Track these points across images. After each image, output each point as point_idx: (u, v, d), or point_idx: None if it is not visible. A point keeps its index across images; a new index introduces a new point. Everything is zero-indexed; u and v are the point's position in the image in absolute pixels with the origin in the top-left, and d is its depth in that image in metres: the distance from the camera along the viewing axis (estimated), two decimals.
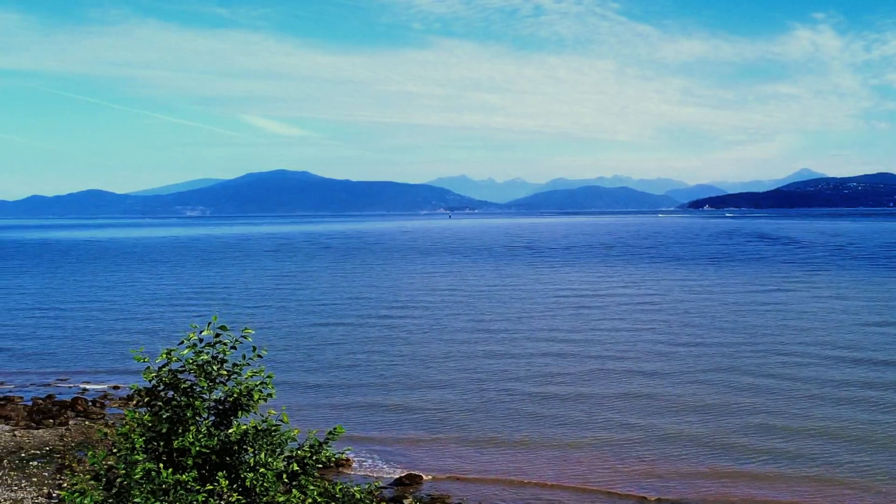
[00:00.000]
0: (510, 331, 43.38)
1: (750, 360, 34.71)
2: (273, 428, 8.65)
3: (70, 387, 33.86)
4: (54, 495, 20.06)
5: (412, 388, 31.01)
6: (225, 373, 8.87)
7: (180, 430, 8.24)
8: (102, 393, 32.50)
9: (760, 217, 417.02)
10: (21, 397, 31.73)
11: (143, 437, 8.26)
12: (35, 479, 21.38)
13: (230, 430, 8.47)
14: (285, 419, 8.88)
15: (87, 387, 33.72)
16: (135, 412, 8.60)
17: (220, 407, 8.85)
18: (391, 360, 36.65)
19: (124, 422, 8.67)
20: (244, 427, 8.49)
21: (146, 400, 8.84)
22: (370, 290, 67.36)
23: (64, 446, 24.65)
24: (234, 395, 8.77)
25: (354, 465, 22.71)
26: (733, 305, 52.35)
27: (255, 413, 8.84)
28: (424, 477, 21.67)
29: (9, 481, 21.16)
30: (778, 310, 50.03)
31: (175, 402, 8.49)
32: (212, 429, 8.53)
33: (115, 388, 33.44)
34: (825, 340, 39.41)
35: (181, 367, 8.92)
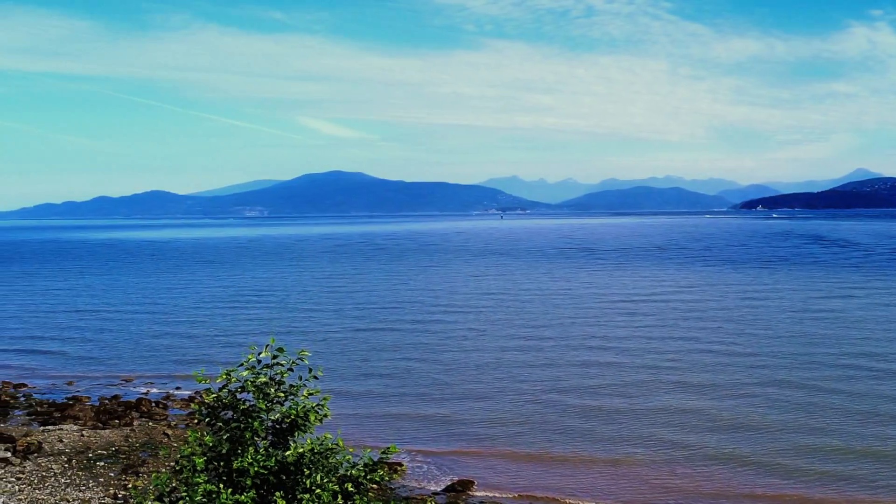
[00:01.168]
0: (562, 338, 42.66)
1: (805, 374, 33.41)
2: (329, 451, 8.74)
3: (134, 387, 34.57)
4: (120, 496, 20.49)
5: (464, 396, 30.70)
6: (282, 394, 8.99)
7: (240, 451, 8.37)
8: (165, 394, 33.10)
9: (814, 218, 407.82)
10: (88, 397, 32.49)
11: (204, 458, 8.41)
12: (102, 480, 21.86)
13: (287, 453, 8.58)
14: (340, 443, 8.96)
15: (151, 388, 34.40)
16: (197, 433, 8.76)
17: (278, 427, 8.98)
18: (444, 366, 36.41)
19: (186, 443, 8.83)
20: (301, 449, 8.59)
21: (206, 420, 9.00)
22: (424, 292, 67.52)
23: (129, 447, 25.16)
24: (292, 417, 8.88)
25: (408, 471, 22.81)
26: (788, 312, 50.72)
27: (311, 433, 8.94)
28: (476, 483, 21.70)
29: (77, 481, 21.68)
30: (835, 318, 48.29)
31: (234, 424, 8.63)
32: (269, 449, 8.66)
33: (177, 388, 34.05)
34: (886, 352, 37.76)
35: (240, 387, 9.06)
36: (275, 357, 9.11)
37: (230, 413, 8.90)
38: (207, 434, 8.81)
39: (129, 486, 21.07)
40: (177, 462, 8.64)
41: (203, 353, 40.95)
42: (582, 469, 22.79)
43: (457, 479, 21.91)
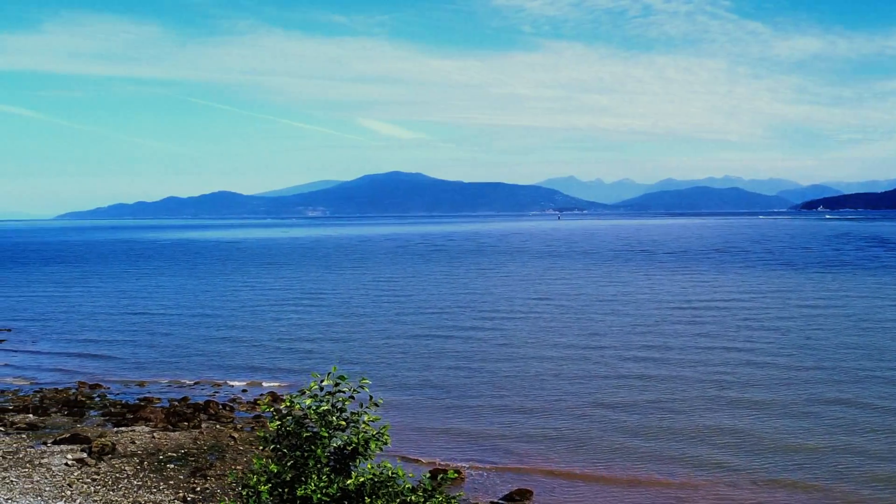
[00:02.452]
0: (621, 347, 41.56)
1: (875, 391, 31.33)
2: (389, 480, 8.84)
3: (202, 389, 35.27)
4: (189, 499, 20.95)
5: (521, 409, 30.16)
6: (343, 422, 9.12)
7: (303, 479, 8.53)
8: (232, 396, 33.66)
9: (878, 219, 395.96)
10: (159, 398, 33.22)
11: (269, 485, 8.59)
12: (172, 482, 22.36)
13: (349, 481, 8.71)
14: (400, 473, 9.05)
15: (218, 389, 35.05)
16: (262, 459, 8.94)
17: (339, 454, 9.12)
18: (501, 377, 35.92)
19: (252, 472, 9.02)
20: (363, 478, 8.71)
21: (271, 447, 9.18)
22: (482, 296, 67.54)
23: (198, 449, 25.67)
24: (353, 445, 9.01)
25: (467, 480, 22.84)
26: (854, 321, 48.48)
27: (371, 460, 9.06)
28: (535, 493, 21.66)
29: (148, 483, 22.21)
30: None
31: (298, 453, 8.79)
32: (331, 475, 8.80)
33: (244, 391, 34.63)
34: None
35: (303, 414, 9.22)
36: (337, 385, 9.24)
37: (294, 440, 9.06)
38: (272, 461, 8.99)
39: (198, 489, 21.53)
40: (242, 487, 8.83)
41: (267, 357, 41.61)
42: (638, 491, 22.23)
43: (515, 488, 21.89)
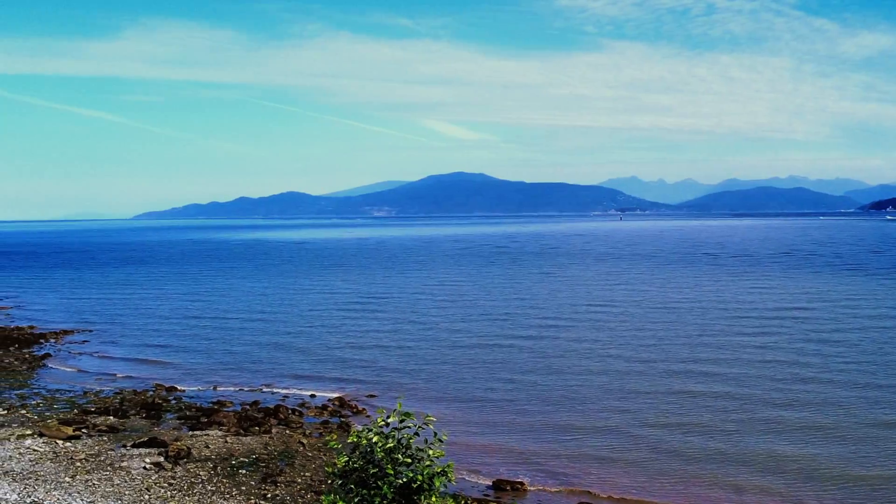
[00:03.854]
0: (687, 360, 39.79)
1: None
2: None
3: (272, 393, 35.85)
4: None
5: (584, 428, 29.40)
6: (408, 459, 9.22)
7: None
8: (301, 401, 34.11)
9: None
10: (231, 402, 33.88)
11: None
12: (244, 488, 22.79)
13: None
14: None
15: (288, 394, 35.55)
16: (331, 496, 9.10)
17: (405, 491, 9.22)
18: (560, 392, 35.36)
19: None
20: None
21: (339, 483, 9.33)
22: (544, 300, 67.19)
23: (268, 455, 26.09)
24: (419, 482, 9.10)
25: (529, 491, 22.81)
26: None
27: (436, 497, 9.13)
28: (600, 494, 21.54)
29: (221, 488, 22.69)
30: None
31: (364, 491, 8.92)
32: None
33: (312, 395, 35.07)
34: None
35: (369, 450, 9.34)
36: (402, 421, 9.34)
37: (361, 475, 9.19)
38: (340, 498, 9.13)
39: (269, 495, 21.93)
40: None
41: (334, 362, 42.09)
42: None
43: (580, 495, 21.78)
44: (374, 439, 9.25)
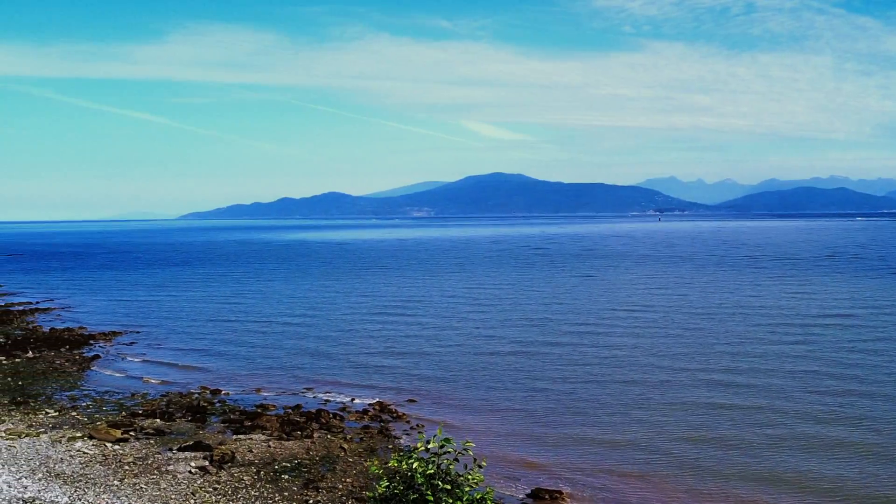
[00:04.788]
0: (728, 370, 38.70)
1: None
2: None
3: (314, 396, 36.07)
4: None
5: (619, 441, 28.90)
6: (448, 486, 9.22)
7: None
8: (342, 405, 34.24)
9: None
10: (274, 405, 34.14)
11: None
12: (286, 494, 22.96)
13: None
14: None
15: (328, 398, 35.75)
16: None
17: None
18: (601, 399, 35.19)
19: None
20: None
21: None
22: (585, 304, 66.79)
23: (310, 460, 26.24)
24: None
25: (568, 502, 22.67)
26: None
27: None
28: None
29: (265, 494, 22.88)
30: None
31: None
32: None
33: (353, 400, 35.22)
34: None
35: (409, 475, 9.35)
36: (442, 447, 9.34)
37: (402, 500, 9.21)
38: None
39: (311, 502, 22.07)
40: None
41: (373, 365, 42.23)
42: None
43: None
44: (415, 465, 9.26)
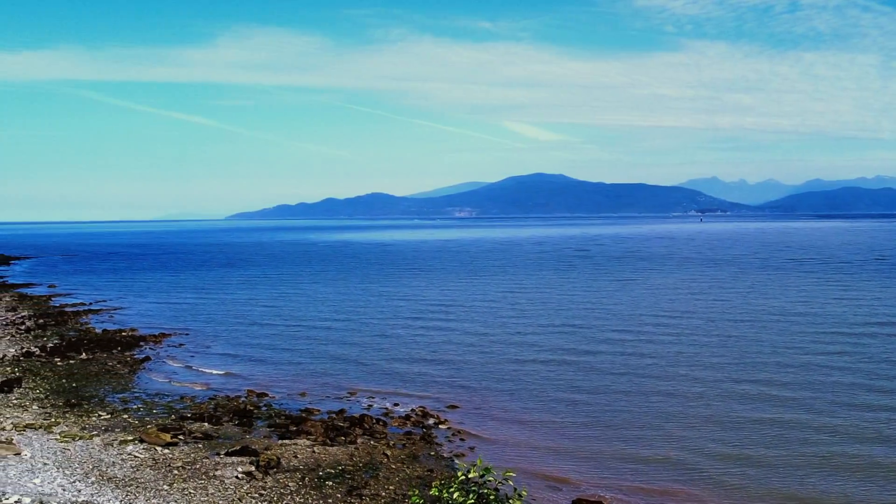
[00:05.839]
0: (769, 382, 37.54)
1: None
2: None
3: (357, 401, 36.20)
4: None
5: (665, 459, 28.16)
6: None
7: None
8: (385, 410, 34.32)
9: None
10: (318, 409, 34.32)
11: None
12: (330, 500, 23.03)
13: None
14: None
15: (372, 403, 35.84)
16: None
17: None
18: (646, 403, 34.78)
19: None
20: None
21: None
22: (629, 308, 66.17)
23: (353, 466, 26.30)
24: None
25: None
26: None
27: None
28: None
29: (309, 501, 22.98)
30: None
31: None
32: None
33: (395, 404, 35.29)
34: None
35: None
36: (482, 476, 9.30)
37: None
38: None
39: None
40: None
41: (417, 370, 42.27)
42: None
43: None
44: (456, 495, 9.22)
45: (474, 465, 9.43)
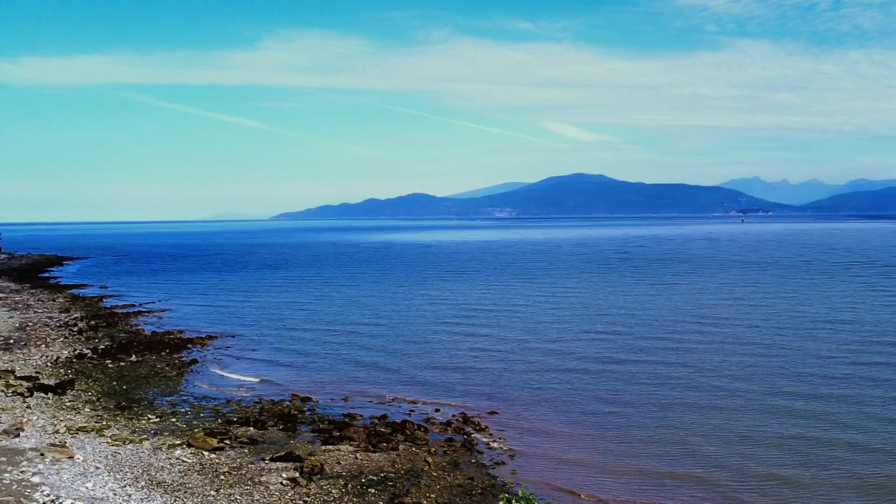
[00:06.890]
0: (816, 397, 36.14)
1: None
2: None
3: (398, 406, 36.26)
4: None
5: (693, 476, 27.23)
6: None
7: None
8: (426, 416, 34.30)
9: None
10: (361, 415, 34.41)
11: None
12: None
13: None
14: None
15: (413, 408, 35.84)
16: None
17: None
18: (687, 416, 34.25)
19: None
20: None
21: None
22: (668, 313, 65.40)
23: (395, 473, 26.33)
24: None
25: None
26: None
27: None
28: None
29: None
30: None
31: None
32: None
33: (436, 411, 35.23)
34: None
35: None
36: None
37: None
38: None
39: None
40: None
41: (458, 375, 42.22)
42: None
43: None
44: None
45: (516, 496, 9.35)
